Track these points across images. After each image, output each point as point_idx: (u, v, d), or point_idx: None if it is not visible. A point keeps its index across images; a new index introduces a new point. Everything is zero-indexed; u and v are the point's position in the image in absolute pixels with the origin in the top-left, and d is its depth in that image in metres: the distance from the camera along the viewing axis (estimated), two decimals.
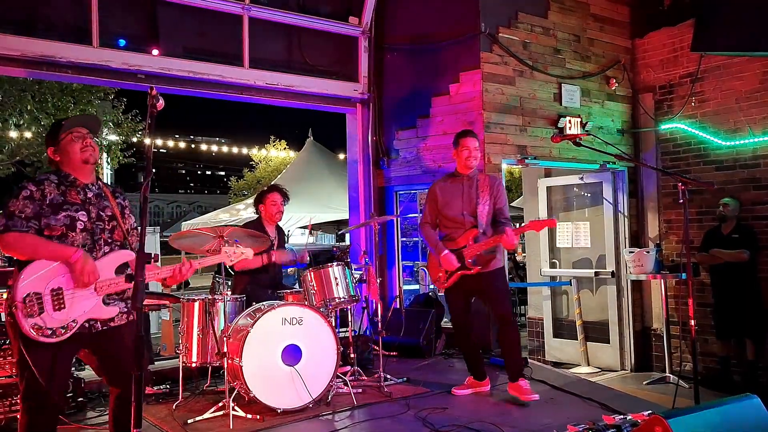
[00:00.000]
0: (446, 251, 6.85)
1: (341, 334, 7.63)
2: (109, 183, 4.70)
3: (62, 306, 4.15)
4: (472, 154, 6.97)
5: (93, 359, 4.50)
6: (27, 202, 4.22)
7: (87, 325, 4.28)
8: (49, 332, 4.10)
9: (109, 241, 4.47)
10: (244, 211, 20.55)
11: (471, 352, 7.25)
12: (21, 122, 19.55)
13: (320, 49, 10.10)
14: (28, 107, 19.39)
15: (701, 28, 9.84)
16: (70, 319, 4.17)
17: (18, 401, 6.24)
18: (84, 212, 4.36)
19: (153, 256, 4.25)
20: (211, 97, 9.38)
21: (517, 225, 7.56)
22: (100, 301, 4.30)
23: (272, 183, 8.24)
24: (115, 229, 4.48)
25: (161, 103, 3.67)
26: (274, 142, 35.12)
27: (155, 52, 8.55)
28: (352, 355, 7.77)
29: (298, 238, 22.42)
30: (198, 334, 6.78)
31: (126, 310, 4.51)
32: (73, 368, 10.61)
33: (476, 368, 7.20)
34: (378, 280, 7.93)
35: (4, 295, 6.43)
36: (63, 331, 4.14)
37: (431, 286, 9.98)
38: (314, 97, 9.99)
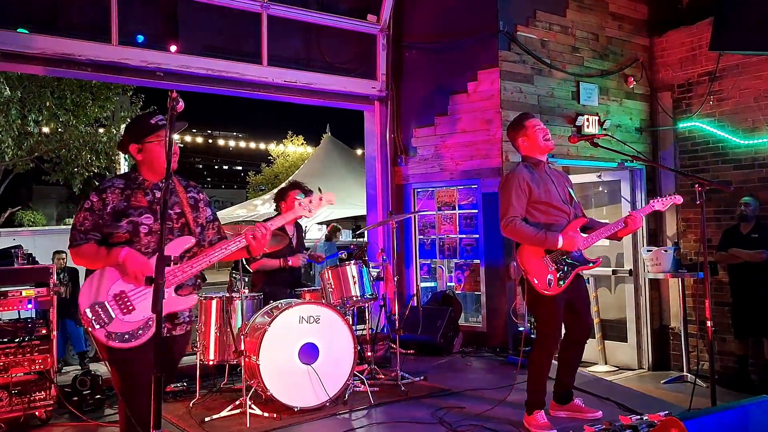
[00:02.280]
0: (561, 236, 5.67)
1: (358, 332, 7.64)
2: (181, 177, 4.51)
3: (131, 308, 4.03)
4: (546, 132, 5.97)
5: None
6: (87, 214, 4.14)
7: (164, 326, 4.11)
8: (127, 337, 3.98)
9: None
10: (261, 206, 20.57)
11: (547, 374, 5.99)
12: (40, 118, 19.64)
13: (338, 47, 10.11)
14: (47, 103, 19.51)
15: (719, 27, 9.78)
16: (146, 318, 4.02)
17: (36, 397, 6.39)
18: (150, 214, 4.19)
19: (173, 258, 4.08)
20: (230, 95, 9.41)
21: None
22: (171, 292, 4.11)
23: (293, 180, 8.22)
24: (185, 226, 4.30)
25: (181, 105, 3.65)
26: (291, 137, 35.17)
27: (173, 49, 8.57)
28: (369, 354, 7.77)
29: (315, 233, 22.44)
30: (215, 332, 6.81)
31: (188, 319, 4.39)
32: (89, 364, 10.74)
33: (544, 393, 5.92)
34: (395, 278, 7.92)
35: (23, 293, 6.56)
36: (142, 332, 4.01)
37: (449, 284, 9.98)
38: (332, 95, 10.00)
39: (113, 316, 4.00)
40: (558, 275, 5.71)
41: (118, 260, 4.03)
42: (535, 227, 5.69)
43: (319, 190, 4.56)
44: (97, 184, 4.24)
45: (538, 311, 5.92)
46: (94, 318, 3.97)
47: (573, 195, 6.00)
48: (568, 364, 6.13)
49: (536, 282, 5.71)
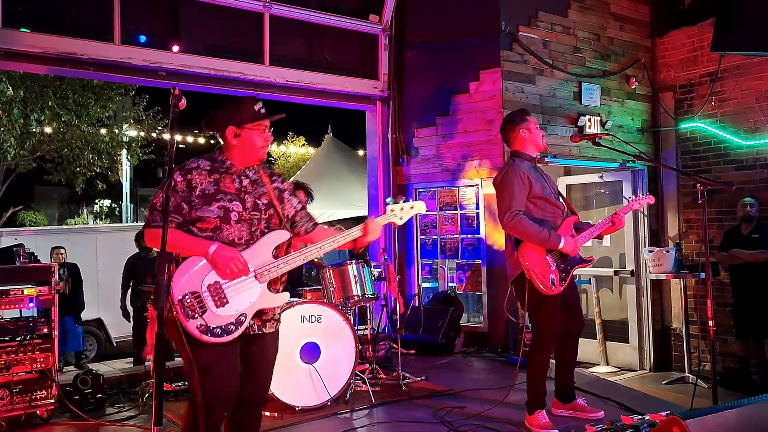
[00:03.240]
0: (563, 238, 5.69)
1: (360, 332, 7.64)
2: (266, 166, 4.39)
3: (225, 301, 3.92)
4: (539, 132, 6.15)
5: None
6: (171, 193, 3.91)
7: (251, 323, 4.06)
8: (219, 331, 3.88)
9: (266, 231, 4.13)
10: None
11: (546, 373, 6.06)
12: (42, 118, 19.66)
13: (340, 47, 10.11)
14: (50, 103, 19.51)
15: (721, 27, 9.78)
16: (239, 314, 3.93)
17: (37, 396, 6.39)
18: (238, 202, 4.07)
19: (256, 271, 3.95)
20: (232, 94, 9.39)
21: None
22: (265, 289, 4.02)
23: (296, 180, 8.22)
24: (272, 217, 4.18)
25: (183, 103, 3.61)
26: (292, 138, 35.11)
27: (176, 48, 8.58)
28: (370, 353, 7.77)
29: None
30: None
31: (278, 317, 4.28)
32: (89, 364, 10.77)
33: (545, 393, 5.95)
34: (397, 278, 7.92)
35: (25, 291, 6.56)
36: (234, 327, 3.92)
37: (450, 284, 9.98)
38: (334, 95, 10.00)
39: (206, 308, 3.90)
40: (560, 275, 5.70)
41: (207, 255, 3.93)
42: (538, 225, 5.64)
43: (406, 200, 4.49)
44: (182, 164, 4.16)
45: (540, 312, 5.82)
46: (188, 308, 3.86)
47: (560, 194, 6.06)
48: (565, 362, 6.16)
49: (540, 281, 5.64)
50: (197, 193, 4.02)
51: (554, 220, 5.81)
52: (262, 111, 4.16)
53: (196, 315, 3.86)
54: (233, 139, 4.12)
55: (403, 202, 4.45)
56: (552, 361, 6.25)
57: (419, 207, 4.49)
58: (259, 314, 4.10)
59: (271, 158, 35.64)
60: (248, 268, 3.98)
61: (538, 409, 5.82)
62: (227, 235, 4.02)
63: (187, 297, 3.87)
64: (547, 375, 5.97)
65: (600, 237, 6.40)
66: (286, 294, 4.22)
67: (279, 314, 4.29)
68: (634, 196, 6.47)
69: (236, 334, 3.93)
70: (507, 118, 6.26)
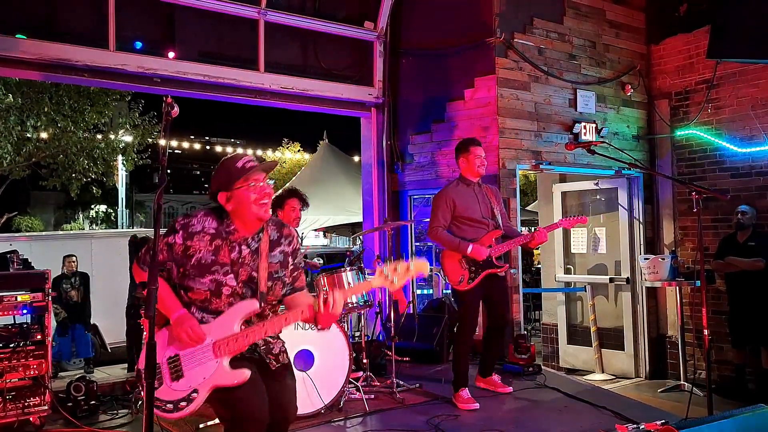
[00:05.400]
0: (472, 245, 6.80)
1: (354, 339, 7.62)
2: (276, 223, 4.18)
3: (180, 374, 3.83)
4: (483, 162, 7.09)
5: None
6: (165, 248, 3.90)
7: (260, 361, 3.99)
8: (171, 407, 3.79)
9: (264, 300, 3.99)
10: None
11: (468, 354, 7.09)
12: (38, 124, 19.64)
13: (335, 54, 10.10)
14: (45, 109, 19.49)
15: (717, 35, 9.79)
16: (191, 389, 3.77)
17: (30, 403, 6.37)
18: (233, 275, 3.92)
19: (215, 344, 3.84)
20: (227, 101, 9.39)
21: (533, 229, 7.73)
22: (222, 363, 3.80)
23: (291, 187, 8.19)
24: (270, 290, 4.00)
25: (176, 111, 3.59)
26: (287, 144, 35.13)
27: (171, 55, 8.57)
28: (364, 360, 7.75)
29: (312, 240, 22.42)
30: None
31: (284, 349, 4.15)
32: (82, 370, 10.74)
33: (466, 372, 6.98)
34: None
35: (18, 297, 6.54)
36: (185, 404, 3.79)
37: (445, 291, 9.96)
38: (329, 101, 9.99)
39: (163, 381, 3.84)
40: (469, 275, 6.89)
41: (171, 319, 3.88)
42: (452, 236, 6.92)
43: (411, 257, 4.12)
44: (184, 217, 4.02)
45: (459, 303, 7.14)
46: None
47: (495, 210, 7.10)
48: (488, 345, 7.34)
49: (450, 278, 7.01)
50: (193, 262, 3.91)
51: (477, 235, 6.94)
52: (248, 165, 3.96)
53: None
54: (227, 204, 3.96)
55: (396, 265, 3.77)
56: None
57: (419, 267, 3.77)
58: (268, 352, 4.03)
59: None
60: (202, 337, 3.83)
61: (462, 387, 6.86)
62: (216, 308, 3.92)
63: None
64: (468, 357, 7.05)
65: (529, 248, 7.61)
66: (245, 372, 3.81)
67: (284, 346, 4.18)
68: (568, 216, 7.88)
69: (185, 413, 3.81)
70: (456, 146, 7.36)
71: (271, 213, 4.06)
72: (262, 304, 3.95)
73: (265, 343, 4.04)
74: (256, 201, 3.91)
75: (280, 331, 4.05)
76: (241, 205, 3.92)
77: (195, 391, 3.78)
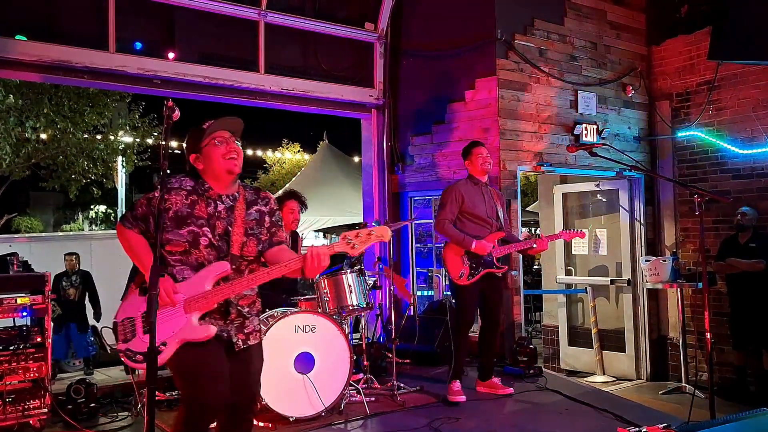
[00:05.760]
0: (476, 241, 7.06)
1: (354, 342, 7.61)
2: (254, 188, 4.38)
3: None
4: (486, 160, 7.40)
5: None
6: (144, 203, 4.13)
7: (228, 341, 4.10)
8: (141, 357, 3.93)
9: (239, 257, 4.16)
10: None
11: (466, 351, 7.49)
12: (37, 125, 19.60)
13: (336, 55, 10.09)
14: (45, 110, 19.44)
15: (718, 36, 9.77)
16: (160, 342, 3.83)
17: (30, 406, 6.36)
18: (208, 228, 4.08)
19: (186, 301, 3.96)
20: (227, 103, 9.37)
21: (532, 230, 7.88)
22: (191, 319, 3.95)
23: (290, 189, 8.18)
24: (245, 245, 4.16)
25: (177, 114, 3.61)
26: (287, 144, 35.06)
27: (171, 56, 8.55)
28: (365, 363, 7.74)
29: (312, 241, 22.41)
30: None
31: (259, 328, 4.33)
32: (81, 371, 10.70)
33: (461, 365, 7.30)
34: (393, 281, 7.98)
35: (18, 300, 6.53)
36: None
37: (446, 293, 9.94)
38: (329, 103, 9.97)
39: (136, 333, 4.01)
40: (469, 271, 7.14)
41: (147, 277, 3.89)
42: (458, 231, 7.16)
43: (376, 223, 4.34)
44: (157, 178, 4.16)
45: (457, 299, 7.38)
46: (121, 331, 4.03)
47: (500, 213, 7.39)
48: (483, 346, 7.51)
49: (451, 272, 7.23)
50: (170, 215, 4.04)
51: (479, 233, 7.18)
52: (211, 122, 4.15)
53: (127, 339, 4.01)
54: (197, 163, 4.16)
55: (360, 232, 3.97)
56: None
57: (381, 233, 3.96)
58: (240, 328, 4.17)
59: (265, 165, 35.62)
60: (175, 297, 3.95)
61: (454, 379, 7.18)
62: (196, 259, 4.06)
63: (123, 322, 4.05)
64: (465, 351, 7.40)
65: (529, 255, 7.88)
66: (210, 327, 4.00)
67: (259, 325, 4.36)
68: (568, 230, 8.29)
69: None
70: (463, 149, 7.63)
71: (240, 170, 4.19)
72: (237, 262, 4.13)
73: (240, 316, 4.18)
74: (223, 155, 4.09)
75: (259, 284, 4.18)
76: (209, 161, 4.11)
77: (164, 343, 3.91)
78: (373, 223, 4.33)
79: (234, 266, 4.11)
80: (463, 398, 7.02)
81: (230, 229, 4.12)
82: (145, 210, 4.11)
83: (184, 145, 4.24)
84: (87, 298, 11.43)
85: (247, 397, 4.25)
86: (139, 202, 4.15)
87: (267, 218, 4.29)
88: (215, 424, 4.26)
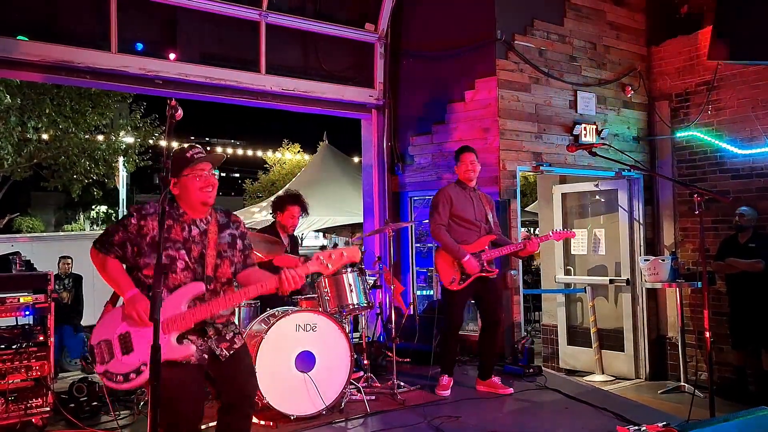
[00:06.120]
0: (469, 255, 7.15)
1: (354, 341, 7.63)
2: (224, 211, 4.58)
3: (131, 349, 4.07)
4: (469, 167, 7.46)
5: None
6: (120, 229, 4.21)
7: (212, 354, 4.26)
8: (121, 378, 4.04)
9: (213, 278, 4.31)
10: (258, 213, 20.54)
11: (456, 350, 7.76)
12: (39, 125, 19.63)
13: (336, 56, 10.11)
14: (47, 110, 19.47)
15: (717, 36, 9.79)
16: (140, 363, 4.01)
17: (33, 404, 6.38)
18: (184, 251, 4.23)
19: (163, 323, 4.09)
20: (228, 103, 9.40)
21: (530, 230, 7.94)
22: (169, 339, 4.04)
23: (294, 192, 8.17)
24: (218, 267, 4.33)
25: (180, 114, 3.65)
26: (287, 145, 35.07)
27: (172, 57, 8.57)
28: (365, 362, 7.76)
29: (312, 241, 22.43)
30: None
31: (238, 332, 4.48)
32: (83, 372, 10.70)
33: (453, 366, 7.58)
34: (397, 287, 8.02)
35: (21, 299, 6.56)
36: (134, 375, 4.02)
37: None
38: (330, 103, 10.00)
39: (114, 355, 4.09)
40: (460, 277, 7.22)
41: (123, 299, 4.14)
42: (452, 240, 7.23)
43: (348, 243, 4.51)
44: (139, 205, 4.40)
45: (446, 303, 7.48)
46: (98, 354, 4.11)
47: (489, 216, 7.47)
48: (484, 346, 7.58)
49: (443, 277, 7.32)
50: (148, 240, 4.17)
51: (468, 236, 7.32)
52: (196, 155, 4.27)
53: (104, 361, 4.10)
54: (174, 188, 4.28)
55: (336, 249, 4.33)
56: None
57: (351, 254, 4.29)
58: (221, 340, 4.32)
59: (266, 165, 35.65)
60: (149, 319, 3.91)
61: (444, 374, 7.44)
62: (172, 282, 4.18)
63: (100, 344, 4.13)
64: (455, 350, 7.67)
65: (520, 256, 8.13)
66: (190, 347, 4.16)
67: (237, 329, 4.50)
68: (559, 230, 8.18)
69: (135, 384, 4.08)
70: (454, 153, 7.76)
71: (213, 201, 4.39)
72: (212, 284, 4.29)
73: (216, 332, 4.34)
74: (201, 188, 4.24)
75: (236, 305, 4.54)
76: (186, 191, 4.26)
77: (144, 364, 3.99)
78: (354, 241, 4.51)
79: (210, 287, 4.26)
80: (446, 393, 7.30)
81: (204, 252, 4.28)
82: (121, 236, 4.20)
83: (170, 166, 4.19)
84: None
85: (246, 395, 4.40)
86: (114, 228, 4.26)
87: (239, 242, 4.49)
88: (215, 423, 4.39)
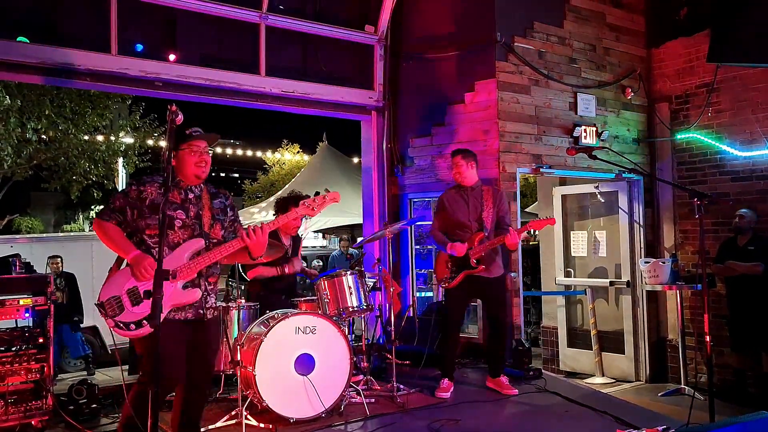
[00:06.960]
0: (452, 243, 7.45)
1: (353, 343, 7.62)
2: (213, 186, 5.18)
3: (140, 300, 4.60)
4: (456, 170, 7.64)
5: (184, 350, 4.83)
6: (121, 196, 4.79)
7: (180, 316, 4.75)
8: (134, 326, 4.56)
9: (208, 235, 4.89)
10: (258, 214, 20.54)
11: (455, 351, 7.92)
12: (39, 126, 19.61)
13: (336, 57, 10.10)
14: (47, 111, 19.45)
15: (717, 38, 9.80)
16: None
17: (32, 406, 6.38)
18: (182, 211, 4.80)
19: (172, 272, 4.43)
20: (228, 105, 9.40)
21: (530, 231, 8.05)
22: (177, 287, 4.65)
23: (297, 192, 8.18)
24: (212, 227, 4.91)
25: (180, 118, 3.79)
26: (287, 145, 35.02)
27: (172, 59, 8.56)
28: (365, 364, 7.76)
29: (311, 242, 22.39)
30: None
31: (217, 305, 5.04)
32: (84, 372, 10.71)
33: (452, 368, 7.75)
34: (396, 290, 8.02)
35: (21, 301, 6.56)
36: (147, 322, 4.53)
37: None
38: (330, 105, 9.99)
39: (124, 308, 4.61)
40: (450, 275, 7.53)
41: (128, 258, 4.63)
42: (442, 235, 7.62)
43: (326, 190, 5.03)
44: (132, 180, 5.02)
45: (445, 300, 7.81)
46: (109, 308, 4.59)
47: (483, 214, 7.56)
48: (489, 346, 7.89)
49: (437, 278, 7.82)
50: (147, 203, 4.75)
51: (460, 238, 7.51)
52: (194, 134, 4.86)
53: (115, 314, 4.58)
54: (173, 160, 4.57)
55: (316, 198, 5.02)
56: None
57: (332, 196, 5.01)
58: (205, 302, 4.87)
59: (265, 165, 35.61)
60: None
61: (443, 377, 7.57)
62: (172, 239, 4.75)
63: (109, 300, 4.61)
64: (454, 351, 7.81)
65: (508, 249, 7.96)
66: (197, 291, 4.77)
67: (216, 303, 5.04)
68: (537, 219, 7.99)
69: (147, 329, 4.55)
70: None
71: (206, 176, 4.98)
72: (208, 241, 4.86)
73: (206, 290, 4.88)
74: (196, 163, 4.84)
75: (224, 260, 4.98)
76: (183, 163, 4.84)
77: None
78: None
79: (207, 243, 4.85)
80: (446, 395, 7.38)
81: (201, 212, 4.88)
82: (122, 202, 4.77)
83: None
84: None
85: (204, 370, 4.99)
86: (116, 196, 4.82)
87: (229, 211, 5.12)
88: (174, 395, 4.97)
